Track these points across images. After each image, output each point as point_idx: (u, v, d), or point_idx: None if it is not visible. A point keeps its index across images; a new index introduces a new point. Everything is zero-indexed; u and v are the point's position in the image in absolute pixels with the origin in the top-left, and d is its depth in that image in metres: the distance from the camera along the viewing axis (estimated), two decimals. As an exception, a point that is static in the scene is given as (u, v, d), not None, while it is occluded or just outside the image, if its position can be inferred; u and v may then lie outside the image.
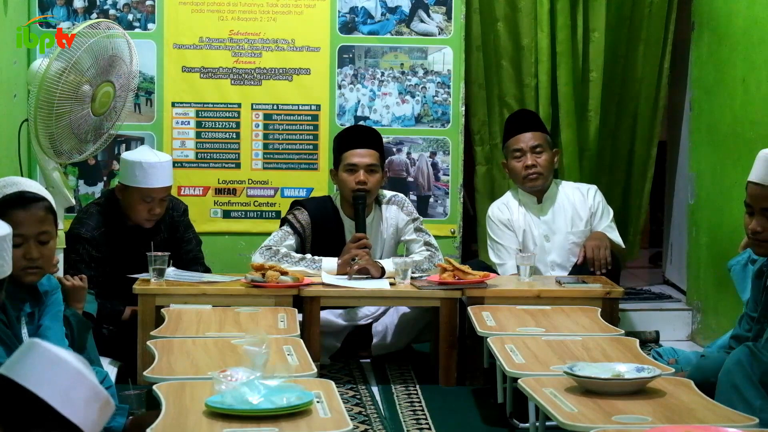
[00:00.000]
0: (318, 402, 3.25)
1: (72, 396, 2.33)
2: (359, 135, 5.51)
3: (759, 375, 3.56)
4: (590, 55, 6.45)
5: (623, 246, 5.74)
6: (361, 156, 5.39)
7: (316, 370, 3.71)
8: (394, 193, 5.61)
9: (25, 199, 3.71)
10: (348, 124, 6.20)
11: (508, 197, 5.77)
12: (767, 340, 3.72)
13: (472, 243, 6.97)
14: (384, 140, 6.15)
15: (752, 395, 3.52)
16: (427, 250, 5.41)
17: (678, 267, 6.96)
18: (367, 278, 5.16)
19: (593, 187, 5.78)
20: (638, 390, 3.41)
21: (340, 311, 5.49)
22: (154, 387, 3.41)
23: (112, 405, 2.42)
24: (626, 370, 3.55)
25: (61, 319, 3.88)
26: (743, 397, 3.51)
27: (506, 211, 5.69)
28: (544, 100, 6.36)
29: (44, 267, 3.75)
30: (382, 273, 5.21)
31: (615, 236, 5.65)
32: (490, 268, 5.52)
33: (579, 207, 5.68)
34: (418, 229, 5.48)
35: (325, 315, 5.30)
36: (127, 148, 6.05)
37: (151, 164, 5.28)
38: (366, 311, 5.53)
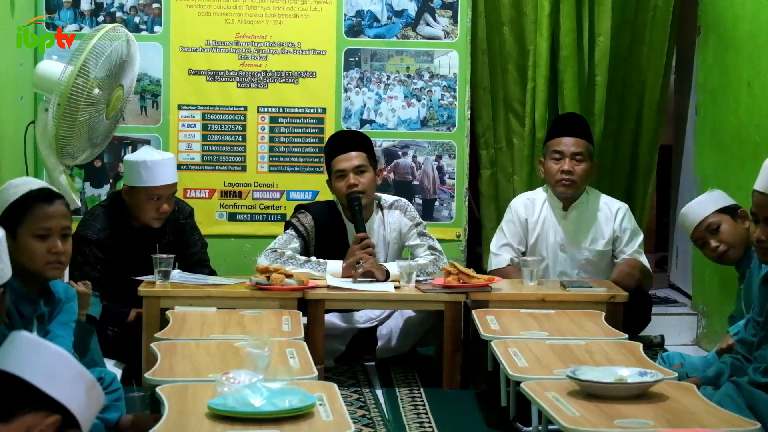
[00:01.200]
0: (320, 405, 3.26)
1: (55, 376, 2.35)
2: (343, 140, 5.52)
3: (746, 403, 3.58)
4: (596, 59, 6.44)
5: (650, 270, 5.61)
6: (348, 160, 5.39)
7: (316, 373, 3.71)
8: (397, 197, 5.62)
9: (50, 194, 3.74)
10: (354, 128, 6.20)
11: (538, 192, 5.73)
12: (754, 369, 3.76)
13: (477, 246, 6.96)
14: (389, 144, 6.18)
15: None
16: (432, 254, 5.42)
17: (683, 271, 6.96)
18: (372, 281, 5.17)
19: (623, 208, 5.67)
20: (640, 394, 3.41)
21: (344, 314, 5.49)
22: (157, 389, 3.41)
23: (99, 389, 2.44)
24: (629, 374, 3.55)
25: (72, 328, 3.87)
26: None
27: (530, 207, 5.64)
28: (540, 104, 6.34)
29: (65, 262, 3.77)
30: (386, 276, 5.21)
31: (643, 260, 5.56)
32: None
33: (603, 225, 5.59)
34: (421, 234, 5.49)
35: (330, 318, 5.31)
36: (134, 151, 6.05)
37: (155, 162, 5.29)
38: (371, 314, 5.53)
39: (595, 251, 5.60)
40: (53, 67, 5.08)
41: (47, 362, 2.36)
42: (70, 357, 2.39)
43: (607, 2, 6.39)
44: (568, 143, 5.56)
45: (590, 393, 3.41)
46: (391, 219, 5.52)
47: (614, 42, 6.47)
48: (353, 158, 5.40)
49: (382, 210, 5.53)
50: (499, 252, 5.60)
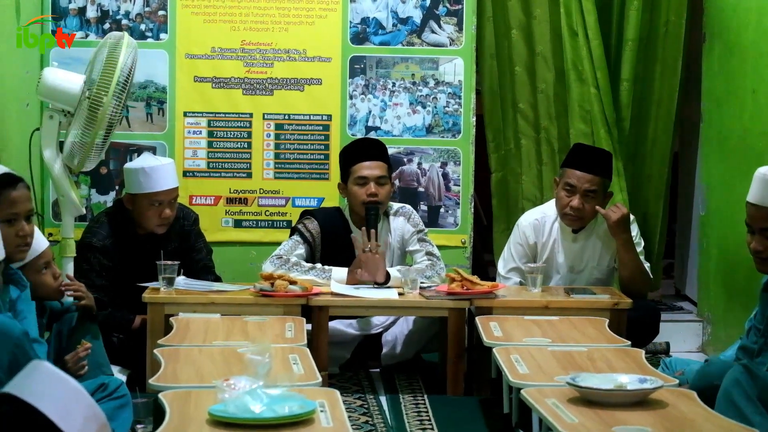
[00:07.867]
0: (321, 411, 3.26)
1: (71, 412, 2.35)
2: (367, 148, 5.54)
3: (757, 392, 3.55)
4: (622, 64, 6.42)
5: (650, 276, 5.54)
6: (371, 168, 5.41)
7: (320, 379, 3.72)
8: (402, 204, 5.64)
9: (12, 178, 3.79)
10: (359, 135, 6.22)
11: (549, 208, 5.58)
12: None
13: (486, 253, 6.96)
14: (395, 150, 6.20)
15: (751, 411, 3.51)
16: (429, 259, 5.43)
17: (689, 278, 6.95)
18: (374, 287, 5.19)
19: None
20: (640, 401, 3.41)
21: (349, 321, 5.50)
22: (159, 395, 3.42)
23: (109, 430, 2.45)
24: (629, 381, 3.55)
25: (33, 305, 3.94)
26: (742, 414, 3.49)
27: (539, 229, 5.51)
28: (548, 105, 6.38)
29: (30, 243, 3.85)
30: (387, 277, 5.23)
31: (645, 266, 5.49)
32: None
33: (611, 240, 5.44)
34: (421, 240, 5.50)
35: (335, 325, 5.32)
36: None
37: (154, 168, 5.31)
38: (376, 321, 5.54)
39: (605, 269, 5.55)
40: (66, 78, 5.15)
41: (65, 397, 2.36)
42: (87, 395, 2.39)
43: (636, 8, 6.38)
44: (582, 179, 5.38)
45: (590, 400, 3.41)
46: (396, 225, 5.54)
47: (628, 59, 6.44)
48: (377, 168, 5.43)
49: (387, 216, 5.54)
50: (509, 276, 5.53)
